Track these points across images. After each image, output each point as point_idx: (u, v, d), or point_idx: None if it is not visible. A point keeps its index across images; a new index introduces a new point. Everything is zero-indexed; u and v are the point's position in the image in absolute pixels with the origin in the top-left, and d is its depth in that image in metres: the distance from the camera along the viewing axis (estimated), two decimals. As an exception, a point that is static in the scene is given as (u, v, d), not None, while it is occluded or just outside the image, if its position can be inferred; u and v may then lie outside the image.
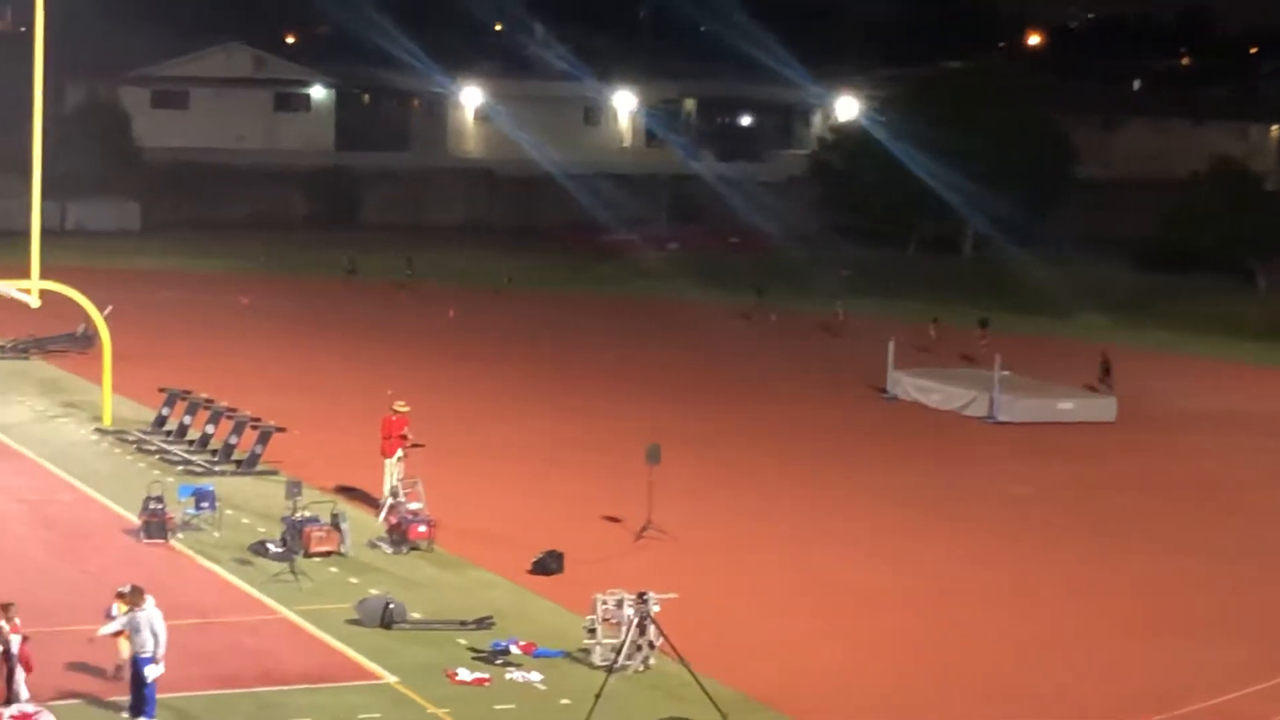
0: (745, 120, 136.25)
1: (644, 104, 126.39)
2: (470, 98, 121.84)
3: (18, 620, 28.26)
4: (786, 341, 69.65)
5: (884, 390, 59.33)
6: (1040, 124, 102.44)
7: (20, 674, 27.46)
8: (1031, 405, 56.20)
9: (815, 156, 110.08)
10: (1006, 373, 57.05)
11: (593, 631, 31.31)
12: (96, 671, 29.30)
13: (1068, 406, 56.67)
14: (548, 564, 36.94)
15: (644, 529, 39.81)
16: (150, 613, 27.76)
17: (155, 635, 27.64)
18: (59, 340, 59.58)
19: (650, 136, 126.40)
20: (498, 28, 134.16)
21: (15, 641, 27.77)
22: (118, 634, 28.19)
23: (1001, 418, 55.57)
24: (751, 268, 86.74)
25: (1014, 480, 47.91)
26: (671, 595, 31.46)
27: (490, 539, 39.21)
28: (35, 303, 47.53)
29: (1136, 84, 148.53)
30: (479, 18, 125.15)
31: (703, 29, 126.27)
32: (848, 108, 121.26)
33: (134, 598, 27.95)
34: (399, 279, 79.72)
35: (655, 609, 30.58)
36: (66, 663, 29.63)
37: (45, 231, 47.32)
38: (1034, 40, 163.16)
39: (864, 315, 72.63)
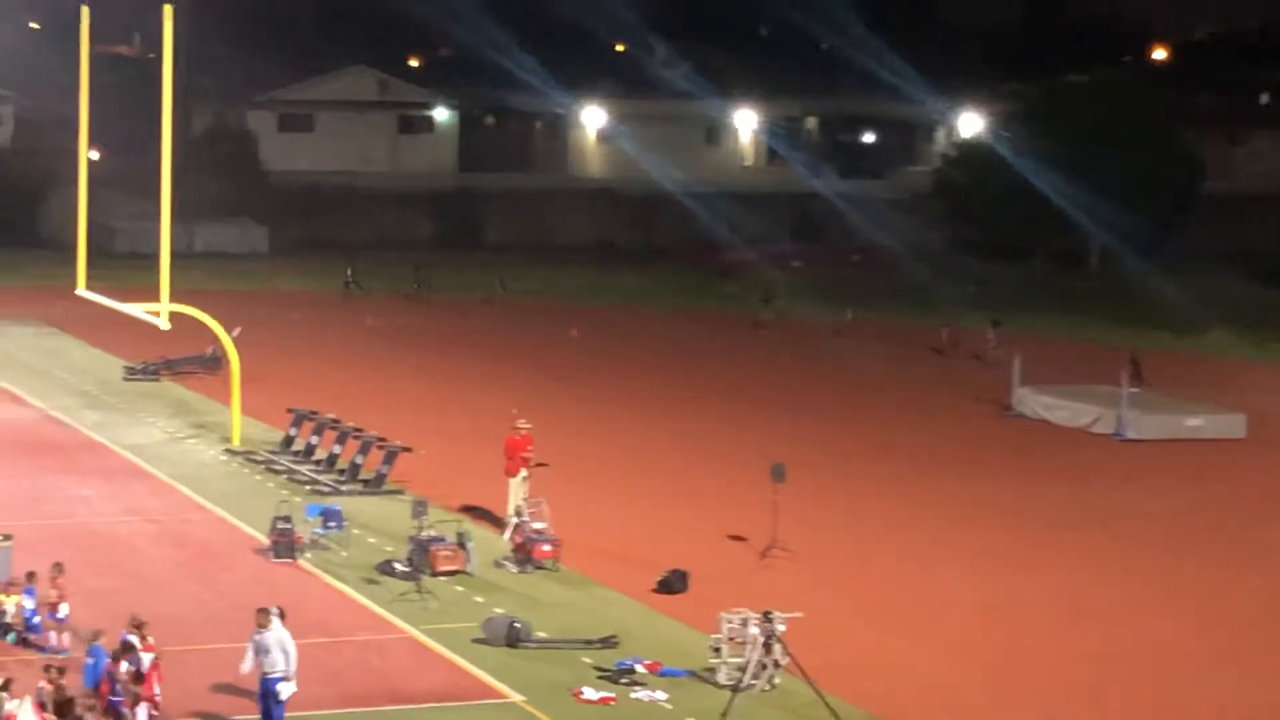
0: (867, 137, 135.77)
1: (765, 122, 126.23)
2: (592, 118, 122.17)
3: (150, 639, 28.60)
4: (903, 359, 69.21)
5: (1008, 407, 58.92)
6: (1166, 137, 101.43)
7: (143, 710, 27.71)
8: (1160, 422, 55.62)
9: (938, 172, 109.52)
10: (1134, 390, 56.55)
11: (718, 650, 31.25)
12: (226, 689, 29.56)
13: (1196, 423, 56.02)
14: (673, 583, 36.91)
15: (769, 548, 39.72)
16: (278, 632, 27.99)
17: (286, 653, 27.86)
18: (188, 362, 60.23)
19: (772, 154, 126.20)
20: (619, 48, 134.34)
21: (146, 660, 28.10)
22: (256, 660, 28.25)
23: (1129, 435, 55.04)
24: (873, 283, 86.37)
25: (1143, 497, 47.44)
26: (797, 614, 31.37)
27: (615, 558, 39.24)
28: (165, 325, 48.04)
29: (1264, 98, 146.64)
30: (601, 38, 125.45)
31: (824, 46, 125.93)
32: (971, 123, 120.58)
33: (260, 618, 28.19)
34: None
35: (781, 628, 30.50)
36: (196, 681, 29.92)
37: (174, 254, 47.81)
38: (1159, 53, 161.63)
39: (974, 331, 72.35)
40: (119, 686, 28.02)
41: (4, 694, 26.68)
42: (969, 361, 67.33)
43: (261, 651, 27.95)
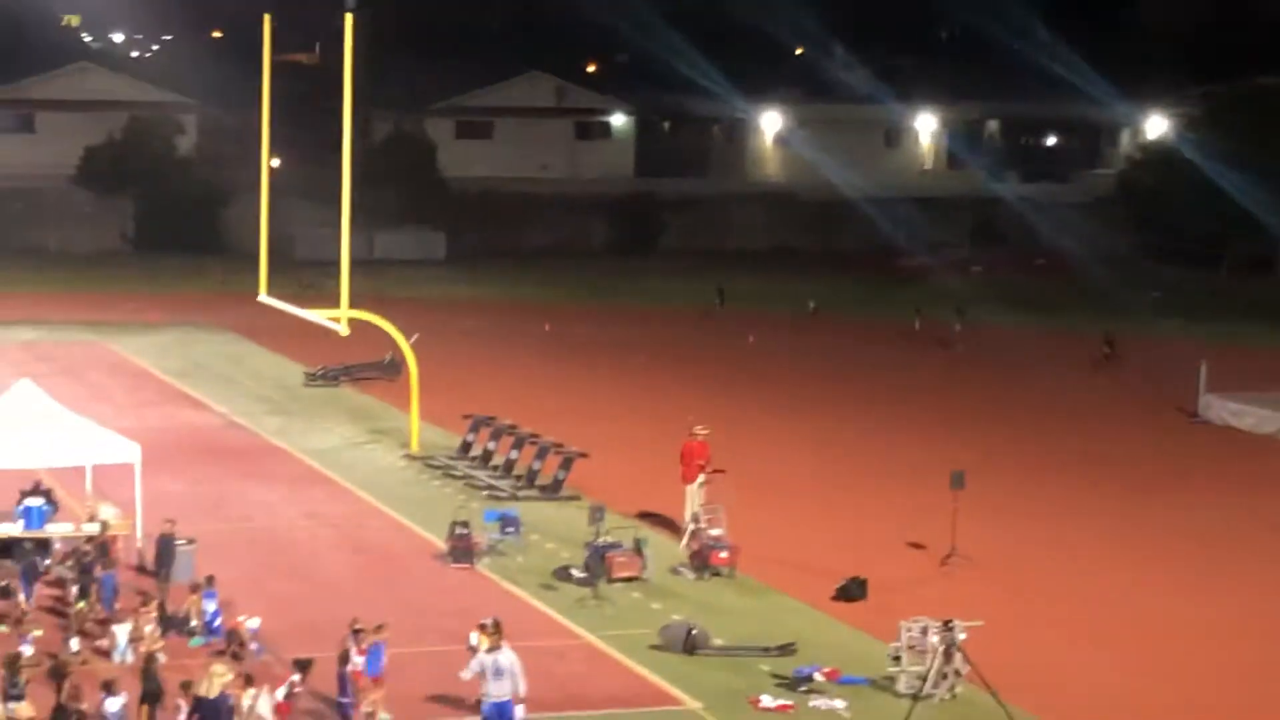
0: (1050, 140, 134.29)
1: (946, 125, 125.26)
2: (770, 122, 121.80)
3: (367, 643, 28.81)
4: (1078, 364, 68.18)
5: (1193, 414, 57.83)
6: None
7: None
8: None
9: (1123, 176, 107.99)
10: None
11: (898, 659, 30.90)
12: (402, 695, 29.57)
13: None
14: (851, 590, 36.57)
15: (949, 555, 39.23)
16: (509, 654, 27.89)
17: (515, 675, 27.78)
18: (367, 368, 60.64)
19: (952, 158, 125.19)
20: (798, 51, 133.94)
21: (360, 662, 28.38)
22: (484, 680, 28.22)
23: (1321, 442, 53.85)
24: (1057, 290, 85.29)
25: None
26: (977, 623, 30.94)
27: (792, 565, 38.94)
28: (344, 331, 48.37)
29: None
30: (779, 42, 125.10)
31: (1004, 48, 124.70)
32: (1157, 126, 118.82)
33: (495, 636, 28.05)
34: (706, 305, 79.83)
35: (961, 636, 30.10)
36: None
37: (354, 261, 48.13)
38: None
39: (1165, 337, 71.25)
40: (349, 688, 28.37)
41: (251, 689, 27.05)
42: (1131, 368, 66.28)
43: (494, 675, 27.74)
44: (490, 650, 27.90)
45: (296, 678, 28.31)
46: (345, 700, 28.60)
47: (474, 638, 28.65)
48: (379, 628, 29.43)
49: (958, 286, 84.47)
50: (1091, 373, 66.55)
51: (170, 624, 32.77)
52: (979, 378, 66.10)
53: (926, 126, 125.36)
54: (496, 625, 28.27)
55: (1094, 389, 63.79)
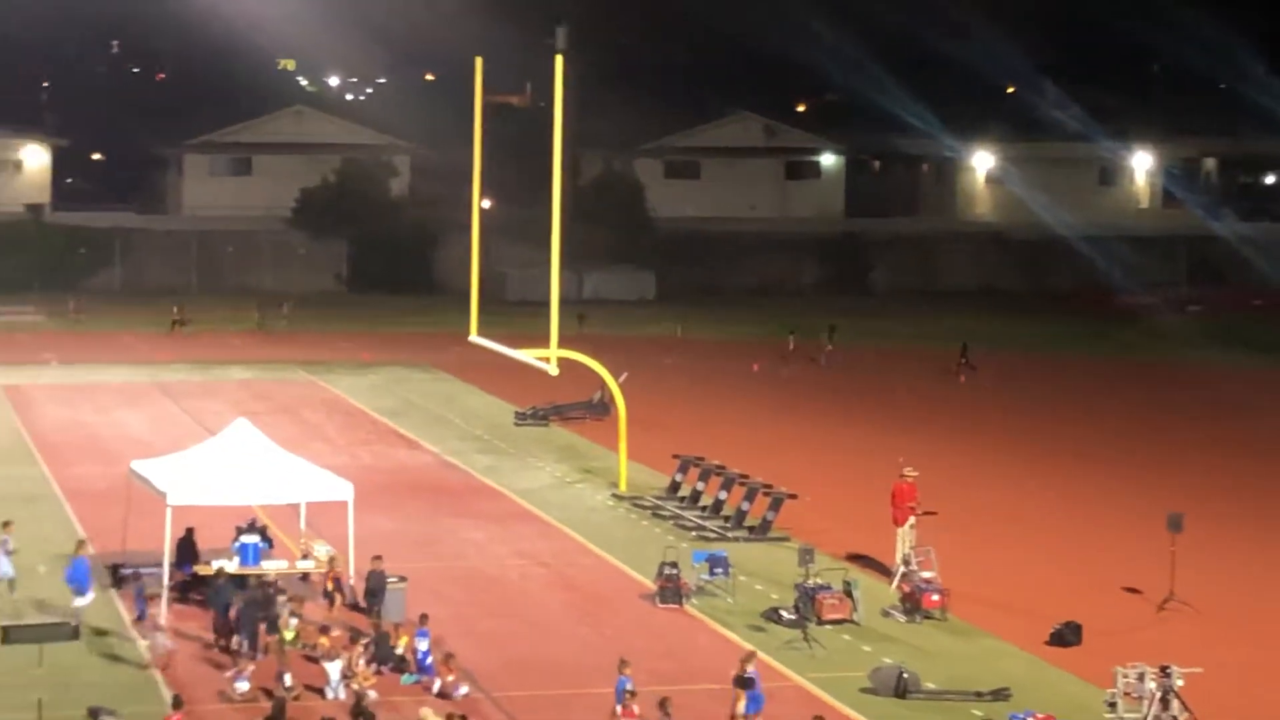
0: (1269, 178, 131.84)
1: (1161, 163, 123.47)
2: (981, 161, 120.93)
3: None
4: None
5: None
6: None
7: None
8: None
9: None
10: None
11: (1113, 705, 30.36)
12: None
13: None
14: (1065, 635, 35.96)
15: (1166, 600, 38.43)
16: None
17: None
18: (577, 407, 60.88)
19: (1168, 196, 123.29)
20: (1009, 89, 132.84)
21: None
22: None
23: None
24: (1277, 329, 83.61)
25: None
26: (1196, 669, 30.29)
27: (1005, 608, 38.39)
28: (554, 371, 48.57)
29: None
30: (990, 80, 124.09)
31: (1221, 85, 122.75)
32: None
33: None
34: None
35: (1179, 683, 29.48)
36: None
37: (563, 301, 48.36)
38: None
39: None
40: None
41: None
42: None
43: None
44: None
45: None
46: None
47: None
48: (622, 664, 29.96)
49: (1175, 325, 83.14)
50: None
51: (382, 661, 33.01)
52: (1196, 419, 64.83)
53: (1141, 164, 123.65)
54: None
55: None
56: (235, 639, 33.84)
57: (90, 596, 35.90)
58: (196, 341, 78.84)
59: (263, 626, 34.16)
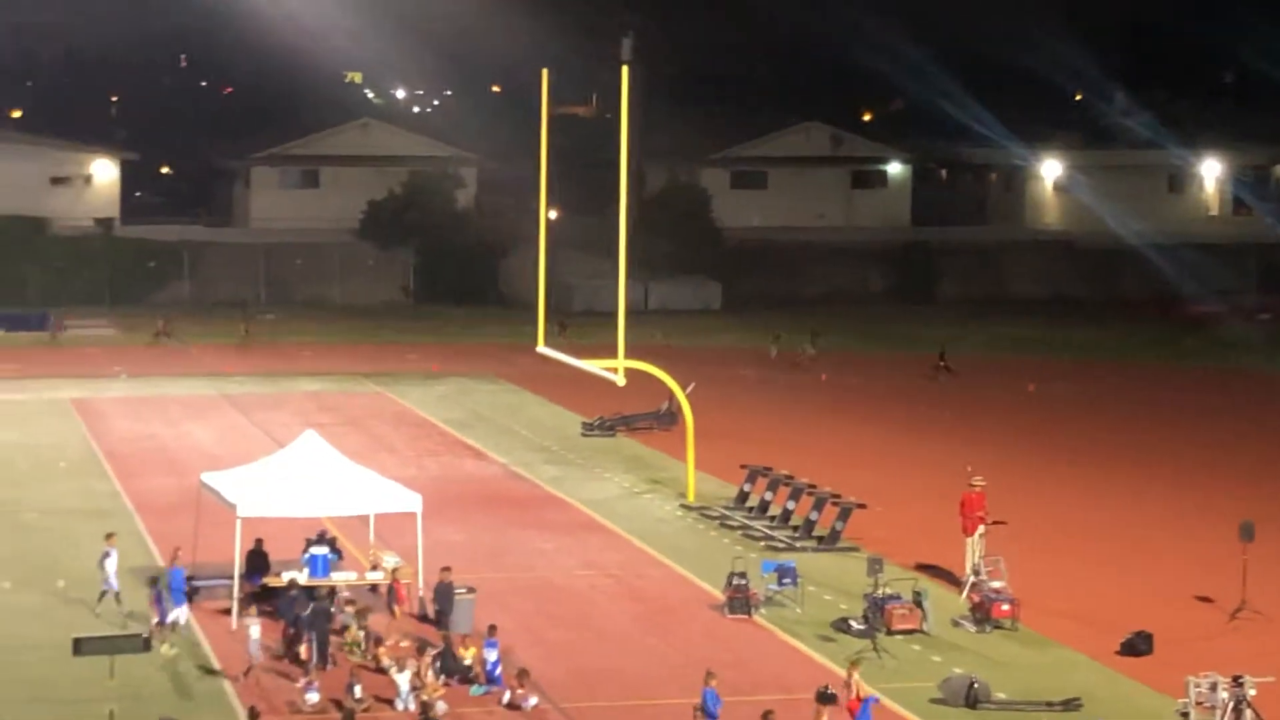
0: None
1: (1231, 170, 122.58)
2: (1049, 169, 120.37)
3: None
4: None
5: None
6: None
7: None
8: None
9: None
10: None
11: (1185, 715, 30.19)
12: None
13: None
14: (1136, 644, 35.75)
15: (1238, 609, 38.16)
16: None
17: None
18: (644, 418, 60.84)
19: (1238, 203, 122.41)
20: (1077, 97, 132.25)
21: None
22: None
23: None
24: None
25: None
26: (1269, 678, 30.07)
27: (1075, 618, 38.19)
28: (621, 381, 48.57)
29: None
30: (1057, 87, 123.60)
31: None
32: None
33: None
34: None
35: (1252, 693, 29.26)
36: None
37: (629, 311, 48.36)
38: None
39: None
40: None
41: None
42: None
43: None
44: None
45: None
46: None
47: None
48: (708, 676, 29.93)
49: (1245, 333, 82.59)
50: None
51: (450, 672, 33.06)
52: (1267, 428, 64.31)
53: (1211, 171, 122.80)
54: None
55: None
56: (304, 650, 33.93)
57: (186, 607, 36.21)
58: (264, 353, 79.14)
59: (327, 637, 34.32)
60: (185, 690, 33.06)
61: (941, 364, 73.96)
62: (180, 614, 36.05)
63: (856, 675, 30.31)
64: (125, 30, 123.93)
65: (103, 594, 37.34)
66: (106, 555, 37.63)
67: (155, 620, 35.20)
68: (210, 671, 34.12)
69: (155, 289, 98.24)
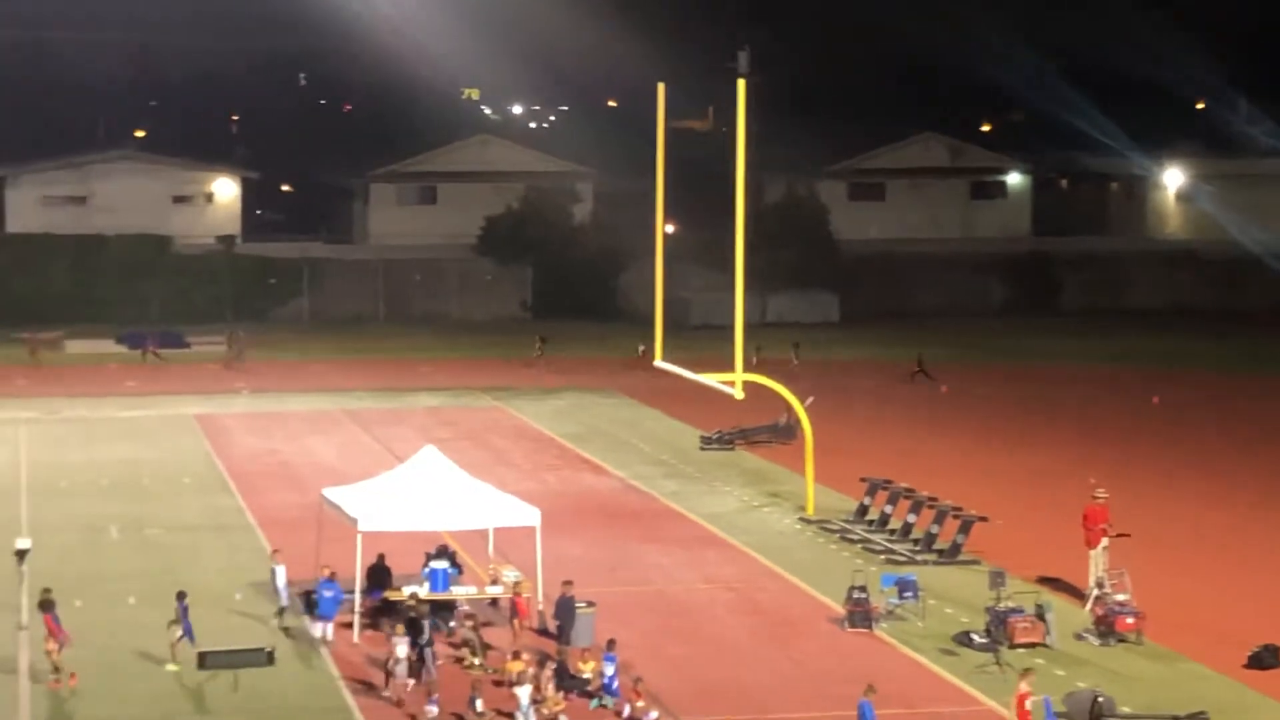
0: None
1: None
2: (1171, 178, 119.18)
3: None
4: None
5: None
6: None
7: None
8: None
9: None
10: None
11: (1316, 731, 29.66)
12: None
13: None
14: (1263, 658, 35.29)
15: (1369, 623, 37.59)
16: None
17: None
18: (762, 431, 60.68)
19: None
20: (1199, 105, 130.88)
21: None
22: None
23: None
24: None
25: None
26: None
27: (1200, 631, 37.73)
28: (739, 394, 48.45)
29: None
30: (1180, 96, 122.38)
31: None
32: None
33: None
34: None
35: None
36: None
37: (746, 324, 48.23)
38: None
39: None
40: None
41: None
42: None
43: None
44: None
45: None
46: None
47: None
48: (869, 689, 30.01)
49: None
50: None
51: (570, 685, 33.06)
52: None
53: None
54: None
55: None
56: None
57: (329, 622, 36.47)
58: (384, 369, 79.58)
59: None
60: (307, 704, 33.21)
61: (919, 370, 74.33)
62: (326, 629, 36.25)
63: (1024, 685, 30.21)
64: (246, 50, 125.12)
65: (281, 609, 37.56)
66: (275, 570, 37.91)
67: (178, 636, 35.21)
68: (333, 684, 34.29)
69: (275, 305, 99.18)
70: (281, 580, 37.66)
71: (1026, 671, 31.04)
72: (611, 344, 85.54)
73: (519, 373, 78.25)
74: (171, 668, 34.81)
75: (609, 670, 33.21)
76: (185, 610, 35.26)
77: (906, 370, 76.50)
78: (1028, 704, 30.10)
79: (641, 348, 73.36)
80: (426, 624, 34.78)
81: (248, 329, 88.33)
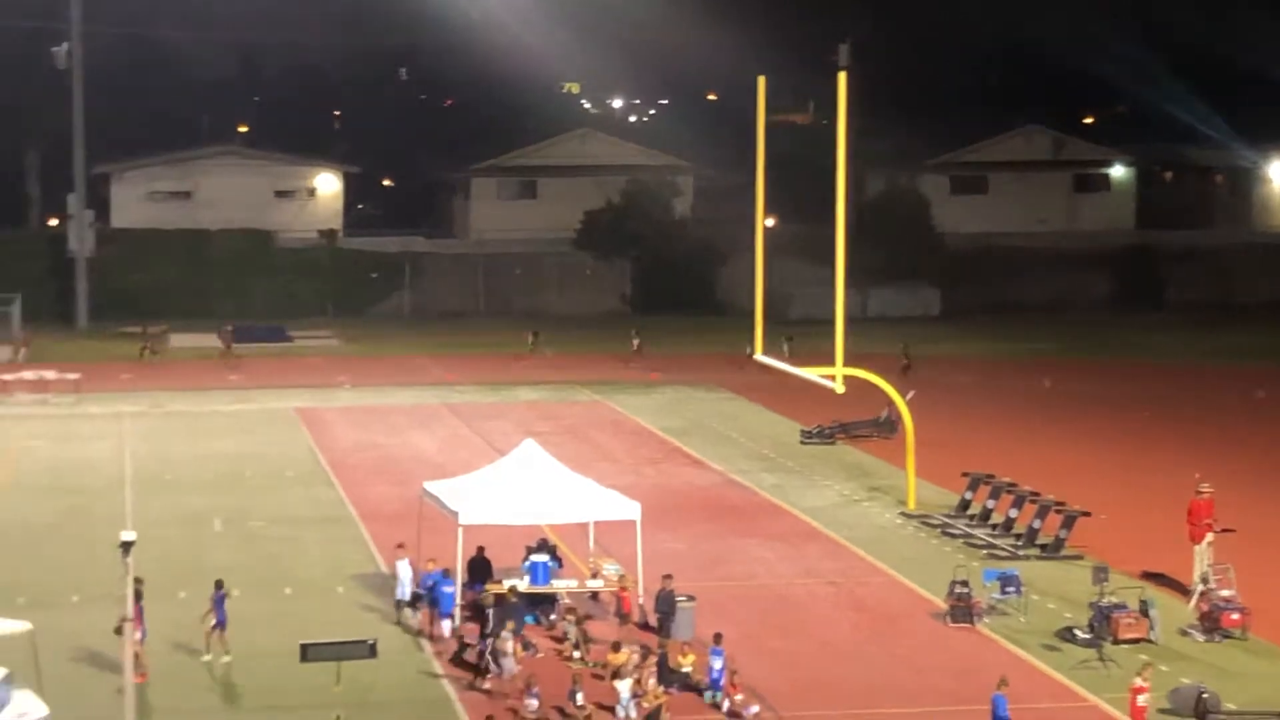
0: None
1: None
2: (1277, 171, 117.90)
3: None
4: None
5: None
6: None
7: None
8: None
9: None
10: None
11: None
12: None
13: None
14: (1372, 656, 34.88)
15: None
16: None
17: None
18: (863, 425, 60.48)
19: None
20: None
21: None
22: None
23: None
24: None
25: None
26: None
27: (1309, 628, 37.33)
28: (840, 389, 48.30)
29: None
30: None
31: None
32: None
33: None
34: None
35: None
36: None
37: (848, 318, 48.08)
38: None
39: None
40: None
41: None
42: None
43: None
44: None
45: None
46: None
47: None
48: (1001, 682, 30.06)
49: None
50: None
51: (672, 679, 33.04)
52: None
53: None
54: None
55: None
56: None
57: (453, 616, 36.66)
58: (484, 364, 79.81)
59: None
60: (410, 697, 33.35)
61: (905, 362, 73.00)
62: (448, 624, 36.40)
63: (1140, 680, 30.05)
64: (346, 45, 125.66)
65: (409, 602, 37.67)
66: (399, 565, 38.08)
67: (213, 624, 35.34)
68: (434, 677, 34.45)
69: (377, 299, 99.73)
70: (406, 575, 37.80)
71: (1146, 665, 30.84)
72: (711, 339, 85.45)
73: (618, 367, 78.21)
74: (206, 659, 35.02)
75: (716, 664, 33.15)
76: (221, 600, 35.46)
77: (1012, 366, 76.02)
78: (1140, 699, 29.89)
79: (749, 349, 73.57)
80: (490, 614, 34.91)
81: (348, 323, 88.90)
